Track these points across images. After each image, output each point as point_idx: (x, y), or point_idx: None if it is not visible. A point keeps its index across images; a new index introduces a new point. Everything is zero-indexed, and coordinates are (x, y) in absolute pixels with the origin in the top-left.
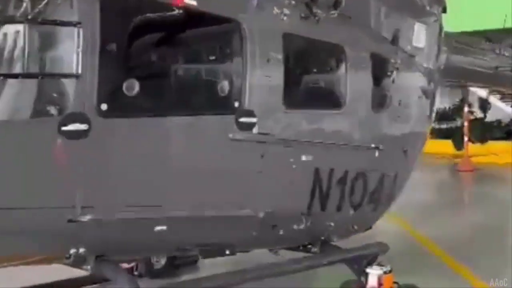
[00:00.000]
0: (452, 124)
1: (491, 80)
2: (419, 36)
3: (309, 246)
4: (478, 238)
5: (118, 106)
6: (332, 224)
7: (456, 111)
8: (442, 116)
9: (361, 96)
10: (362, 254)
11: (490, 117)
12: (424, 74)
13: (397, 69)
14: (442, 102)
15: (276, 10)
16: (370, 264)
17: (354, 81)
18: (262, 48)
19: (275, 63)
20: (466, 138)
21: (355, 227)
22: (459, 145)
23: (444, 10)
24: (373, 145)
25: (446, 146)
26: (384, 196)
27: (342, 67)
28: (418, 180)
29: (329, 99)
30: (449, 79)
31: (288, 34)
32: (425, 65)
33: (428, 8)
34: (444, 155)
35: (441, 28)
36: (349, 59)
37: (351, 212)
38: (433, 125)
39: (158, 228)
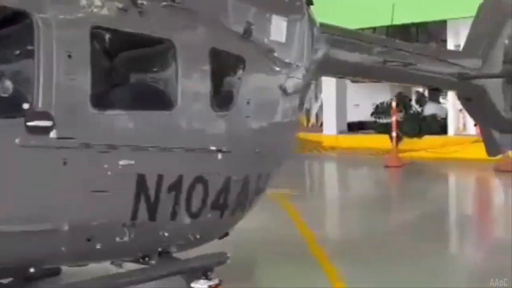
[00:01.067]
0: (390, 119)
1: (379, 74)
2: (278, 30)
3: (146, 258)
4: (365, 241)
5: None
6: (167, 234)
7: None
8: (380, 111)
9: (197, 95)
10: (197, 266)
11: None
12: (287, 70)
13: (245, 66)
14: (384, 97)
15: (83, 1)
16: (205, 275)
17: (187, 79)
18: (60, 43)
19: (79, 59)
20: (394, 134)
21: (197, 236)
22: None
23: (309, 3)
24: (214, 148)
25: (384, 141)
26: (232, 201)
27: (172, 64)
28: (335, 176)
29: (155, 98)
30: (330, 74)
31: (99, 27)
32: (287, 60)
33: (287, 0)
34: (381, 150)
35: (312, 22)
36: (180, 55)
37: (188, 220)
38: (371, 120)
39: None
